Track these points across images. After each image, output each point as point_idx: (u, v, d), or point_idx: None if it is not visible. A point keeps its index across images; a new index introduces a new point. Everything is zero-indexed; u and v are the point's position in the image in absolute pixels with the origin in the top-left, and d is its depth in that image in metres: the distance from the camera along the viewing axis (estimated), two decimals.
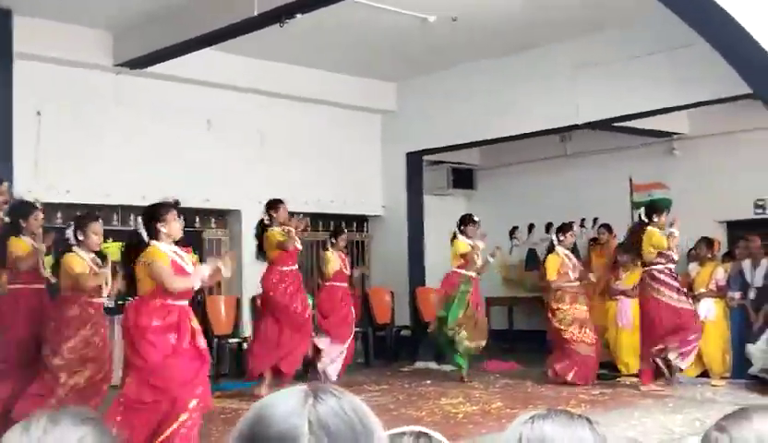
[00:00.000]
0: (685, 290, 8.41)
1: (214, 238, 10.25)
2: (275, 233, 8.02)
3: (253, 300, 9.66)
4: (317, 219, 11.11)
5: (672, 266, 8.27)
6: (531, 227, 12.17)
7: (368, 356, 10.67)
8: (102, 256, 6.34)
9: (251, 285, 9.33)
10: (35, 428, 1.25)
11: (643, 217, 8.43)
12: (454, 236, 9.15)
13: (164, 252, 5.29)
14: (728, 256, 9.69)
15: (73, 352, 6.01)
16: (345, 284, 9.22)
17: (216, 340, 9.29)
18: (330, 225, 11.26)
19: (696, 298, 9.18)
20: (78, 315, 6.10)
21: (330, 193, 10.92)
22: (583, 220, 11.37)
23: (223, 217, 10.37)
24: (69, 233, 6.24)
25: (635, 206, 10.93)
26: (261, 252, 8.19)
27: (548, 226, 11.63)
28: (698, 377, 8.82)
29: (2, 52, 7.91)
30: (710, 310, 9.07)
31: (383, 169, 11.72)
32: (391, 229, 11.52)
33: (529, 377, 9.04)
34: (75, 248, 6.18)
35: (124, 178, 9.02)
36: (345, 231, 9.71)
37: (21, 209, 6.64)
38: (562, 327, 8.66)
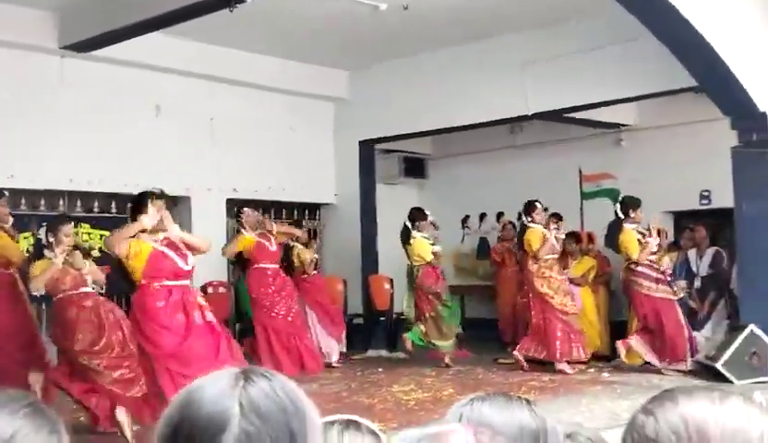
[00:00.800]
0: (668, 279, 8.60)
1: None
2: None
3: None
4: (269, 207, 11.02)
5: (652, 257, 8.49)
6: (482, 216, 12.26)
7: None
8: (85, 250, 6.39)
9: (203, 272, 9.19)
10: None
11: (620, 213, 8.60)
12: (409, 234, 9.19)
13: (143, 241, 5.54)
14: (674, 245, 9.89)
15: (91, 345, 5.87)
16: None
17: None
18: (283, 213, 11.21)
19: None
20: (76, 315, 5.92)
21: (281, 181, 10.84)
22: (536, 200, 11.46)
23: (173, 203, 10.21)
24: (42, 233, 6.25)
25: (584, 196, 11.09)
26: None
27: (499, 215, 11.74)
28: (644, 364, 8.98)
29: None
30: None
31: (336, 157, 11.68)
32: (344, 217, 11.50)
33: (480, 364, 9.12)
34: (46, 252, 6.06)
35: (70, 164, 8.84)
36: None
37: None
38: (552, 294, 8.70)
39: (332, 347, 9.46)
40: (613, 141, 11.08)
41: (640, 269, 8.47)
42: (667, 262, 9.34)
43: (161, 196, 5.78)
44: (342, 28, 9.24)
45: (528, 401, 1.38)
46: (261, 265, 8.68)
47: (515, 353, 8.80)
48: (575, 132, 11.03)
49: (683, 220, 10.54)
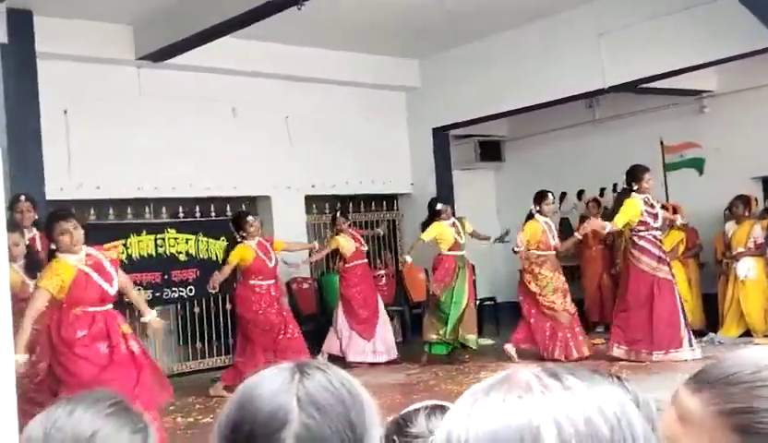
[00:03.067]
0: (667, 259, 8.20)
1: None
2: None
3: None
4: (347, 201, 11.10)
5: (656, 233, 8.13)
6: (563, 196, 12.05)
7: (405, 334, 10.71)
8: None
9: (285, 270, 9.34)
10: (52, 417, 1.26)
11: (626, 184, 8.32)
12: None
13: (67, 264, 5.04)
14: (766, 212, 9.53)
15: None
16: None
17: None
18: (361, 206, 11.27)
19: (734, 257, 9.07)
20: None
21: (358, 174, 10.90)
22: (615, 184, 11.22)
23: (254, 203, 10.40)
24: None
25: (668, 168, 10.79)
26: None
27: (580, 193, 11.54)
28: (740, 336, 8.73)
29: (25, 53, 7.96)
30: (750, 269, 8.95)
31: (410, 146, 11.68)
32: (421, 206, 11.42)
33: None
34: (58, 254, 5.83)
35: (153, 171, 9.07)
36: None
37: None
38: (543, 293, 8.55)
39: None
40: (695, 109, 10.74)
41: (642, 243, 8.06)
42: (759, 231, 9.04)
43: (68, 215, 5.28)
44: (409, 16, 9.22)
45: (619, 377, 1.34)
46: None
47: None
48: (654, 102, 10.73)
49: None
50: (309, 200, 10.68)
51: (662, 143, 10.77)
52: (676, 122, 10.81)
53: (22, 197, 6.52)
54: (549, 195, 8.93)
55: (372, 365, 8.97)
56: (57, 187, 8.30)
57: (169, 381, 5.63)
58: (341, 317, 9.25)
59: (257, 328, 7.80)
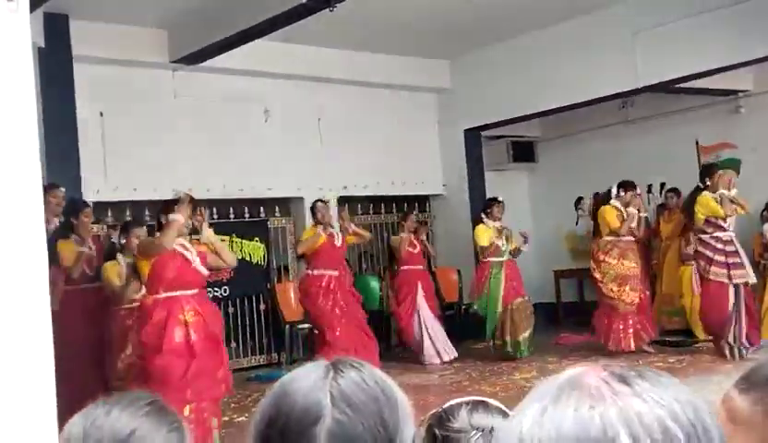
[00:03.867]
0: (728, 261, 7.99)
1: (279, 226, 10.35)
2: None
3: None
4: (378, 202, 11.12)
5: (720, 233, 8.00)
6: (596, 196, 11.95)
7: None
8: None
9: None
10: (92, 416, 1.29)
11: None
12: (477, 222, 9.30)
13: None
14: None
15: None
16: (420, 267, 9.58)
17: (287, 326, 9.40)
18: (393, 207, 11.28)
19: None
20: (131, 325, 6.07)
21: (390, 175, 10.91)
22: (650, 186, 11.13)
23: (286, 205, 10.46)
24: (115, 236, 6.40)
25: None
26: None
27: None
28: None
29: (62, 56, 8.08)
30: None
31: (442, 147, 11.66)
32: (454, 207, 11.47)
33: (602, 349, 8.90)
34: (118, 255, 6.25)
35: (188, 173, 9.14)
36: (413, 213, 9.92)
37: (71, 208, 6.76)
38: (604, 281, 8.49)
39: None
40: (730, 109, 10.60)
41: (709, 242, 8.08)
42: None
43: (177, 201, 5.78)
44: (440, 17, 9.21)
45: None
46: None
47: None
48: (689, 102, 10.62)
49: None
50: (342, 201, 10.70)
51: (697, 143, 10.65)
52: (711, 122, 10.68)
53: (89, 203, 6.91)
54: (637, 188, 8.91)
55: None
56: (94, 190, 8.42)
57: (231, 375, 5.75)
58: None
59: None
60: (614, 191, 8.79)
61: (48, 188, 6.51)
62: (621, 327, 8.44)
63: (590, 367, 0.80)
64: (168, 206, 5.67)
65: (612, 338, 8.39)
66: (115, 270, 6.23)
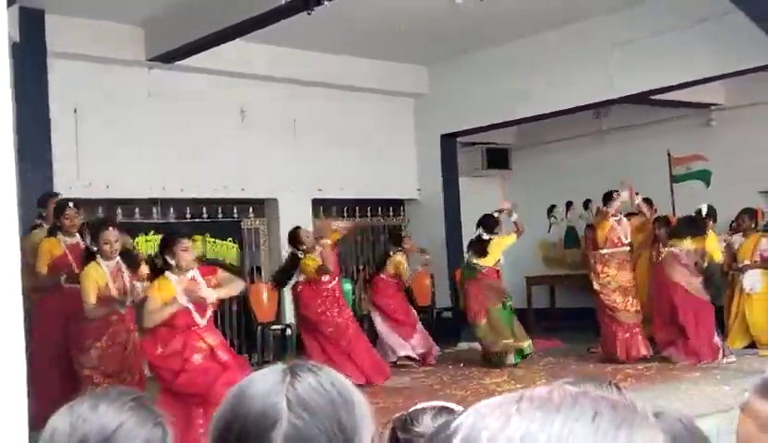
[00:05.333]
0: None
1: (252, 227, 10.33)
2: None
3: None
4: (353, 205, 11.13)
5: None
6: (569, 205, 12.07)
7: None
8: (132, 259, 6.23)
9: None
10: (77, 411, 1.30)
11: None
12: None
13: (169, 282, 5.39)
14: None
15: (94, 361, 5.98)
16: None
17: (259, 328, 9.38)
18: (367, 211, 11.29)
19: (740, 270, 9.07)
20: (96, 326, 5.99)
21: (365, 179, 10.93)
22: (615, 191, 11.24)
23: (260, 206, 10.44)
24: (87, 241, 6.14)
25: (675, 179, 10.78)
26: None
27: (586, 203, 11.54)
28: (745, 348, 8.72)
29: (36, 51, 8.01)
30: (756, 282, 8.94)
31: (418, 152, 11.70)
32: (428, 212, 11.51)
33: (573, 355, 9.00)
34: (98, 257, 5.96)
35: (161, 172, 9.11)
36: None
37: (57, 208, 6.70)
38: (605, 292, 8.55)
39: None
40: (702, 122, 10.76)
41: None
42: (766, 244, 9.03)
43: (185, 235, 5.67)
44: (420, 23, 9.25)
45: (617, 386, 1.37)
46: None
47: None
48: (662, 114, 10.76)
49: None
50: (316, 204, 10.71)
51: (669, 155, 10.77)
52: (683, 134, 10.82)
53: (71, 204, 6.65)
54: (614, 194, 8.89)
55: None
56: (66, 186, 8.33)
57: None
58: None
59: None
60: (603, 205, 8.86)
61: (63, 208, 6.48)
62: (627, 335, 8.50)
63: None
64: (168, 244, 5.49)
65: (618, 347, 8.44)
66: (92, 279, 5.91)
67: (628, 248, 8.76)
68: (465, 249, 9.26)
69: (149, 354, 5.45)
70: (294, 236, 8.26)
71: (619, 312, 8.51)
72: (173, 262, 5.35)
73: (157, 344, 5.36)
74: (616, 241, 8.67)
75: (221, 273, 5.69)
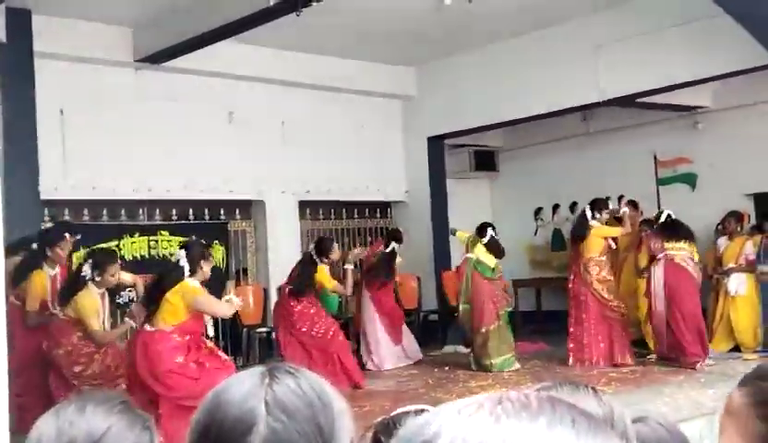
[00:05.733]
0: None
1: (239, 229, 10.30)
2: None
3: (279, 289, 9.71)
4: (340, 207, 11.13)
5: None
6: (555, 207, 12.11)
7: None
8: (114, 293, 6.46)
9: (279, 274, 9.38)
10: (64, 414, 1.29)
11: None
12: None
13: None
14: (757, 229, 9.57)
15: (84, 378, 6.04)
16: None
17: (245, 330, 9.36)
18: (354, 213, 11.29)
19: (726, 273, 9.11)
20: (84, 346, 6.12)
21: (352, 181, 10.92)
22: (608, 197, 11.27)
23: (248, 208, 10.42)
24: (87, 268, 6.22)
25: (661, 182, 10.84)
26: None
27: (573, 206, 11.58)
28: (729, 351, 8.76)
29: (23, 52, 7.96)
30: (740, 285, 8.98)
31: (405, 154, 11.71)
32: (415, 214, 11.52)
33: (558, 358, 9.01)
34: (90, 284, 6.17)
35: (148, 173, 9.08)
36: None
37: (49, 237, 6.67)
38: (610, 297, 8.57)
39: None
40: (688, 125, 10.81)
41: None
42: (751, 247, 9.08)
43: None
44: (407, 24, 9.26)
45: (594, 389, 1.37)
46: None
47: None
48: (649, 116, 10.80)
49: (764, 202, 10.20)
50: (303, 205, 10.70)
51: (655, 157, 10.84)
52: (669, 137, 10.88)
53: (67, 235, 6.71)
54: (609, 202, 8.95)
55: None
56: (52, 187, 8.31)
57: None
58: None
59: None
60: (588, 215, 8.85)
61: (56, 240, 6.46)
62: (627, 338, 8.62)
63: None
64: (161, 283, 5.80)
65: (629, 351, 8.52)
66: (94, 307, 6.11)
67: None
68: (466, 249, 9.08)
69: (166, 363, 5.51)
70: (324, 246, 8.44)
71: (626, 316, 8.62)
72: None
73: (176, 353, 5.52)
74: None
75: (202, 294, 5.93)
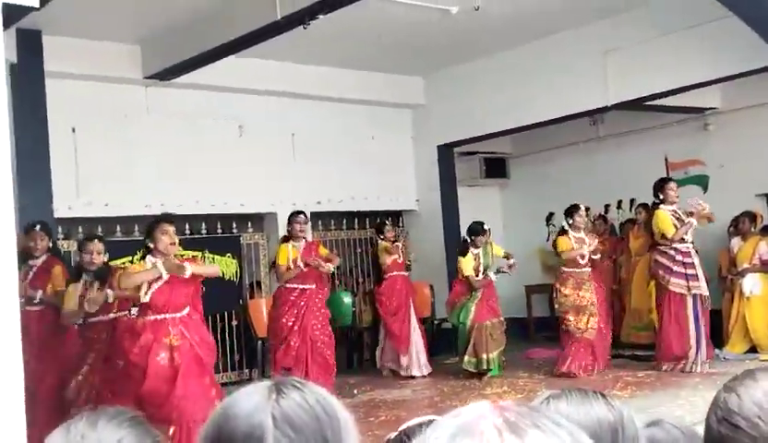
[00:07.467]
0: (687, 272, 8.19)
1: (252, 242, 10.33)
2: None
3: None
4: (352, 217, 11.15)
5: (679, 245, 8.23)
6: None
7: None
8: (102, 275, 6.32)
9: None
10: (76, 428, 1.30)
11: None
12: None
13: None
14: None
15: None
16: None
17: (259, 342, 9.38)
18: (366, 222, 11.31)
19: (740, 274, 9.08)
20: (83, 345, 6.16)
21: (363, 191, 10.95)
22: (620, 201, 11.29)
23: (260, 221, 10.46)
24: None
25: None
26: None
27: (585, 210, 11.56)
28: (746, 353, 8.72)
29: (34, 72, 8.05)
30: (755, 285, 8.96)
31: (415, 163, 11.73)
32: (427, 222, 11.53)
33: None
34: (84, 277, 6.20)
35: (161, 189, 9.13)
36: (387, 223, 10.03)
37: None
38: (561, 310, 8.57)
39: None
40: (699, 126, 10.78)
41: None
42: (765, 247, 9.05)
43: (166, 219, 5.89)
44: (414, 34, 9.29)
45: (603, 395, 1.39)
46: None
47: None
48: (658, 119, 10.78)
49: None
50: (315, 217, 10.73)
51: (666, 160, 10.80)
52: (680, 139, 10.85)
53: (37, 227, 6.71)
54: (581, 207, 8.92)
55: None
56: (66, 205, 8.38)
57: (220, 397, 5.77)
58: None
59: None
60: (564, 222, 8.88)
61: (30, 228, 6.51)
62: (573, 350, 8.51)
63: (488, 409, 0.82)
64: (152, 229, 5.74)
65: (561, 361, 8.50)
66: (74, 294, 6.12)
67: (589, 268, 8.83)
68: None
69: (126, 350, 5.39)
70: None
71: (573, 328, 8.59)
72: (152, 246, 5.57)
73: (134, 341, 5.37)
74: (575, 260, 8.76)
75: (200, 261, 5.84)
